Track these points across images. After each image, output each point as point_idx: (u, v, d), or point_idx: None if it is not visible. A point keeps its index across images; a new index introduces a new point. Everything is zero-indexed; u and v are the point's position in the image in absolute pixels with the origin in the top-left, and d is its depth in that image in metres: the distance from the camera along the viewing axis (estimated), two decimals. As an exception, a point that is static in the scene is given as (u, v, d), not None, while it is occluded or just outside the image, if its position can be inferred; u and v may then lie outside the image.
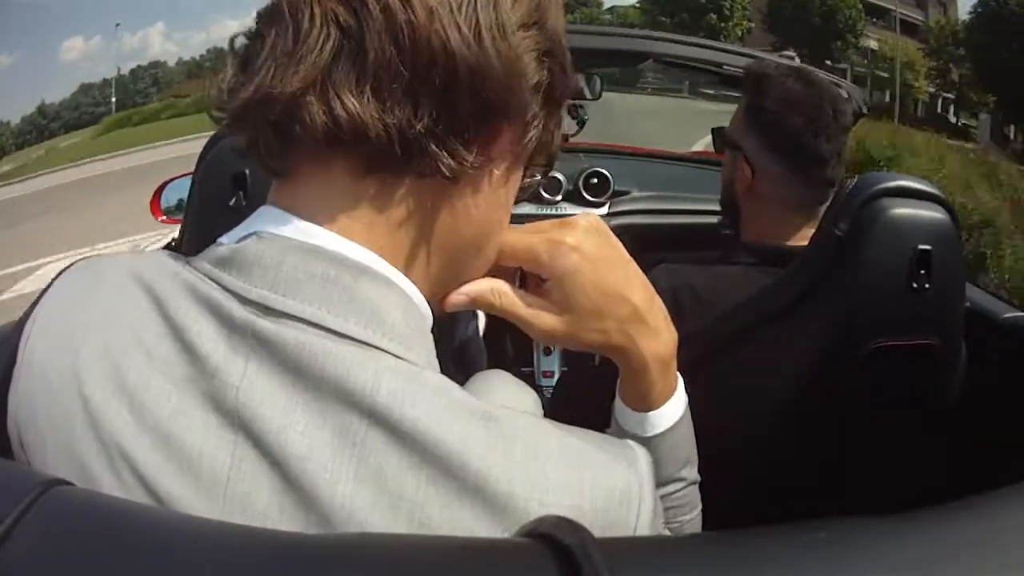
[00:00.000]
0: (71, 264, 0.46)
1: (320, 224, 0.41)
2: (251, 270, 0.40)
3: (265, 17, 0.43)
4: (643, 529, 0.39)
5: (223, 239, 0.43)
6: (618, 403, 0.56)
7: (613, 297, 0.49)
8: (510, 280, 0.50)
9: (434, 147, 0.40)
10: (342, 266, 0.40)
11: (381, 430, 0.36)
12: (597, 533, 0.32)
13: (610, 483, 0.39)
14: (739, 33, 27.30)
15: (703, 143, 5.73)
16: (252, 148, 0.43)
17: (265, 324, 0.38)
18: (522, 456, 0.37)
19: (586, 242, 0.49)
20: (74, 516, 0.31)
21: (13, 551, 0.28)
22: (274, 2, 0.42)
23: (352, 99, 0.39)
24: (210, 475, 0.37)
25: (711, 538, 0.33)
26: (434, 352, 0.43)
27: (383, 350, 0.39)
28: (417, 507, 0.35)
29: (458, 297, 0.48)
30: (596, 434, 0.42)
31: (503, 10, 0.41)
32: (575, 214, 0.53)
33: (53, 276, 0.46)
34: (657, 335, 0.52)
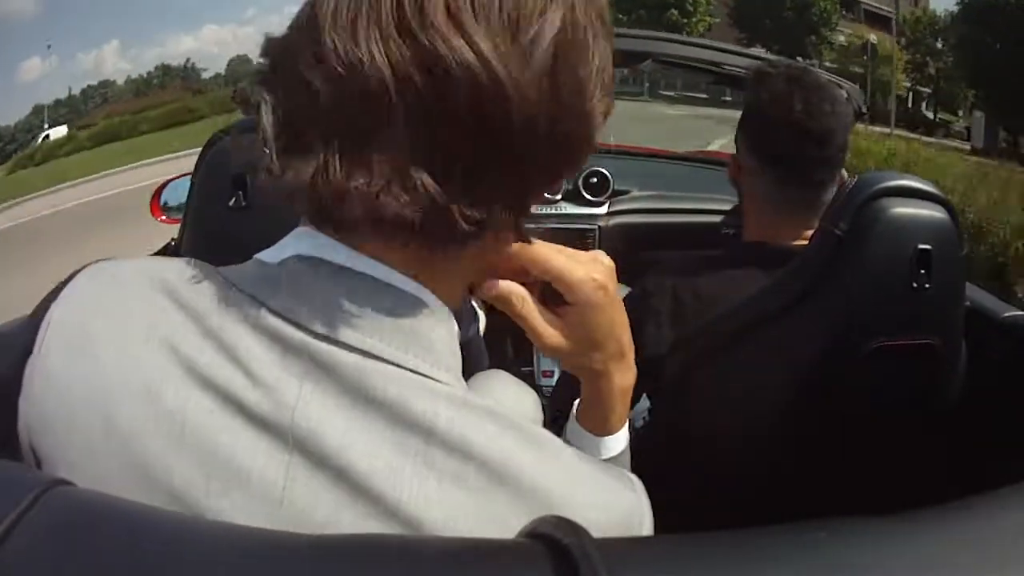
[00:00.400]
0: (85, 266, 0.44)
1: (368, 254, 0.41)
2: (301, 294, 0.40)
3: (301, 52, 0.38)
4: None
5: (263, 257, 0.43)
6: (573, 427, 0.59)
7: (612, 335, 0.53)
8: (534, 291, 0.52)
9: (515, 218, 0.42)
10: (394, 296, 0.40)
11: (439, 451, 0.38)
12: None
13: (623, 503, 0.43)
14: (701, 30, 25.17)
15: (718, 144, 5.69)
16: (294, 202, 0.40)
17: (322, 347, 0.39)
18: (561, 474, 0.41)
19: (610, 283, 0.52)
20: (74, 516, 0.31)
21: (13, 551, 0.28)
22: (314, 27, 0.38)
23: (438, 194, 0.38)
24: (261, 493, 0.37)
25: (711, 538, 0.33)
26: (461, 368, 0.44)
27: (435, 379, 0.40)
28: (475, 521, 0.37)
29: (488, 290, 0.49)
30: (595, 459, 0.47)
31: (579, 73, 0.41)
32: (579, 213, 0.55)
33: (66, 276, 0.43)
34: (628, 369, 0.57)
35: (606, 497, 0.42)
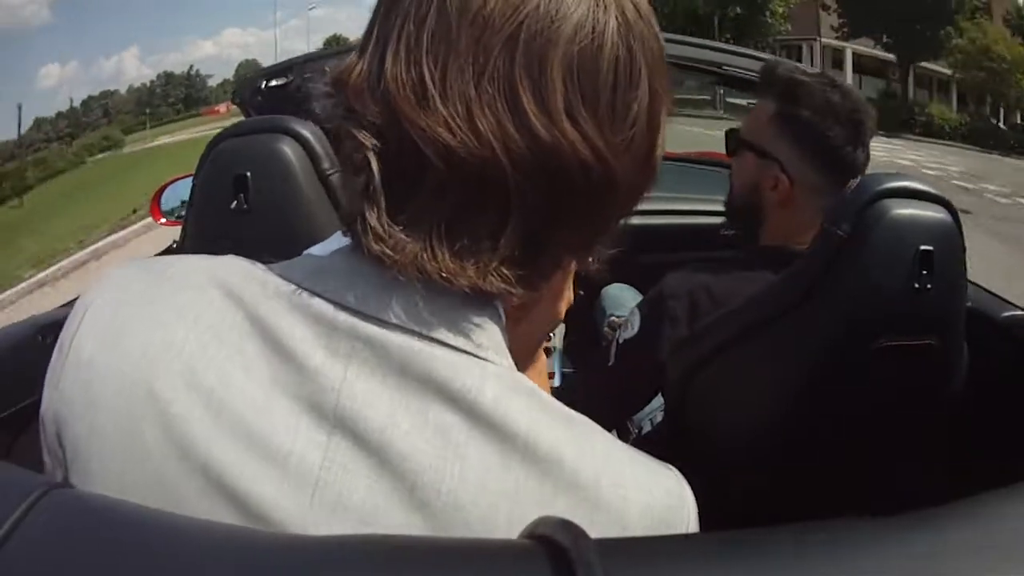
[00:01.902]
0: (121, 265, 0.44)
1: None
2: (352, 279, 0.40)
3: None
4: (693, 525, 0.41)
5: (314, 251, 0.43)
6: None
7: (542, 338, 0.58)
8: None
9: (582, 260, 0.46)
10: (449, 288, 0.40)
11: (483, 430, 0.37)
12: (660, 528, 0.39)
13: (667, 485, 0.42)
14: (780, 12, 20.82)
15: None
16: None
17: (370, 327, 0.38)
18: (603, 456, 0.40)
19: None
20: (74, 518, 0.31)
21: (13, 553, 0.28)
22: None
23: (534, 271, 0.40)
24: (298, 474, 0.37)
25: (710, 539, 0.33)
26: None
27: (483, 359, 0.40)
28: (517, 505, 0.37)
29: None
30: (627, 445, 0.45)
31: (656, 138, 0.43)
32: None
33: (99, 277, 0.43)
34: (541, 360, 0.60)
35: (648, 479, 0.41)
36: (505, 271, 0.39)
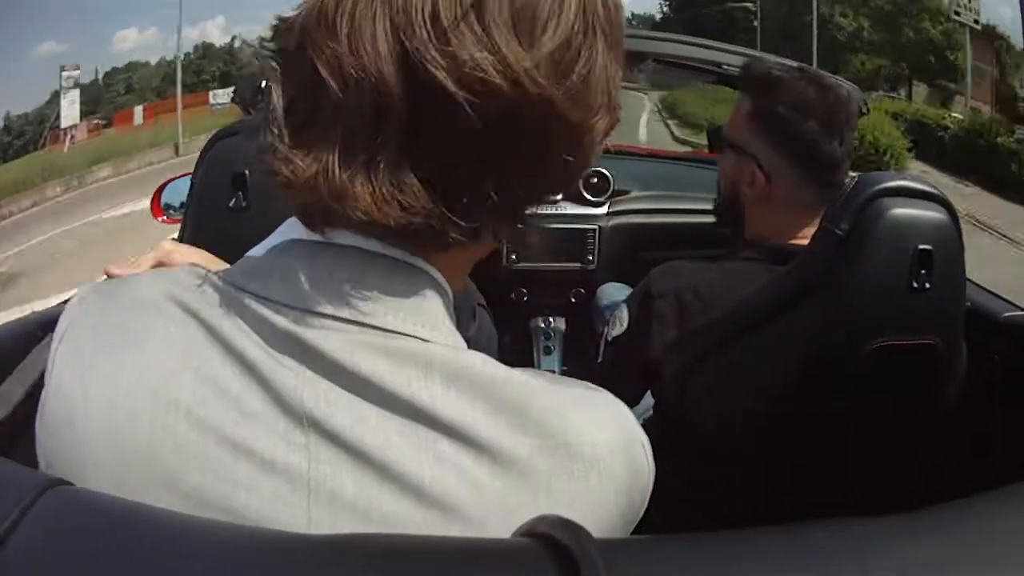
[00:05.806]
0: (91, 285, 0.44)
1: (355, 231, 0.40)
2: (287, 276, 0.40)
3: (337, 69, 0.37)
4: (647, 443, 0.43)
5: (253, 252, 0.43)
6: None
7: None
8: None
9: (509, 227, 0.43)
10: (382, 264, 0.40)
11: (442, 433, 0.38)
12: (628, 459, 0.41)
13: (622, 414, 0.43)
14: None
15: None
16: (290, 193, 0.40)
17: (308, 331, 0.38)
18: (571, 404, 0.41)
19: None
20: (74, 516, 0.31)
21: (14, 551, 0.28)
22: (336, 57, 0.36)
23: (435, 209, 0.38)
24: (288, 478, 0.37)
25: (710, 538, 0.33)
26: (454, 323, 0.43)
27: (427, 340, 0.40)
28: (508, 494, 0.38)
29: None
30: (573, 380, 0.45)
31: (590, 86, 0.40)
32: (579, 213, 0.53)
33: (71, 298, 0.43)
34: None
35: (602, 416, 0.42)
36: (404, 201, 0.37)
